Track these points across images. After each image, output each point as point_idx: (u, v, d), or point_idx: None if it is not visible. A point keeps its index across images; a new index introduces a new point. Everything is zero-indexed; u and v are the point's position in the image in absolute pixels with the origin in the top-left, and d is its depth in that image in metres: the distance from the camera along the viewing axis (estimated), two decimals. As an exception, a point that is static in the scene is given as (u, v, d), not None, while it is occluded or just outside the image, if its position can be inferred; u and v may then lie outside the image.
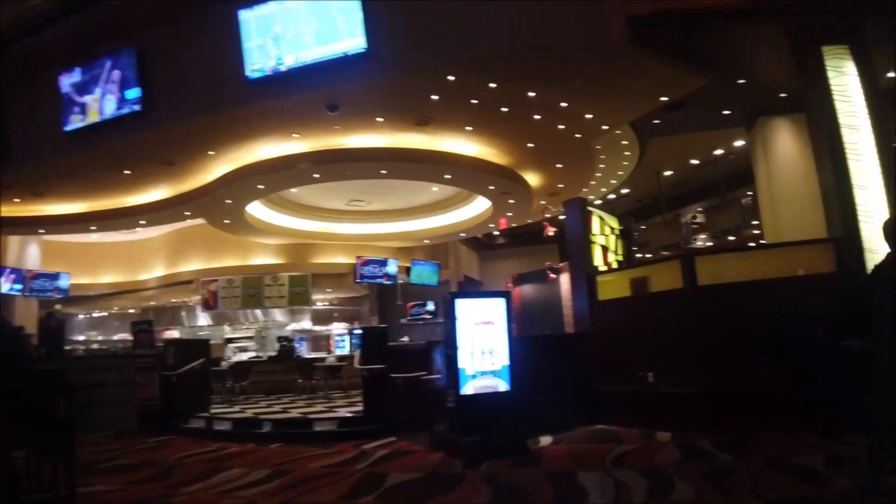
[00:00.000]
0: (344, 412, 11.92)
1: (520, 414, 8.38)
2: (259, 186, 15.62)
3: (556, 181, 16.98)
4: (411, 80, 11.05)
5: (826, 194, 9.19)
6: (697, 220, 19.42)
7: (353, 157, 14.15)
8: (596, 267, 11.21)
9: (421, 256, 24.50)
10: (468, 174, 15.23)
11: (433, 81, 10.92)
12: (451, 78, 10.64)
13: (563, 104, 11.84)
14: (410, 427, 9.68)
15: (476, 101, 11.65)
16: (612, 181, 18.30)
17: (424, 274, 23.26)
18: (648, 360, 9.48)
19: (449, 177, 15.56)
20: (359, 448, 8.80)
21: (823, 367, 7.70)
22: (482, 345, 8.31)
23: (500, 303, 8.52)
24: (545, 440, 8.84)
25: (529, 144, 14.15)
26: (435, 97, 11.45)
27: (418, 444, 8.85)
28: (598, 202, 20.98)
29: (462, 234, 22.91)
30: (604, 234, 12.13)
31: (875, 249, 8.39)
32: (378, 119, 12.60)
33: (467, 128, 13.15)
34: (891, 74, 11.06)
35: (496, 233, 23.14)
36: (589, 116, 12.49)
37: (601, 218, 12.16)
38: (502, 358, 8.38)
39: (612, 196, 20.88)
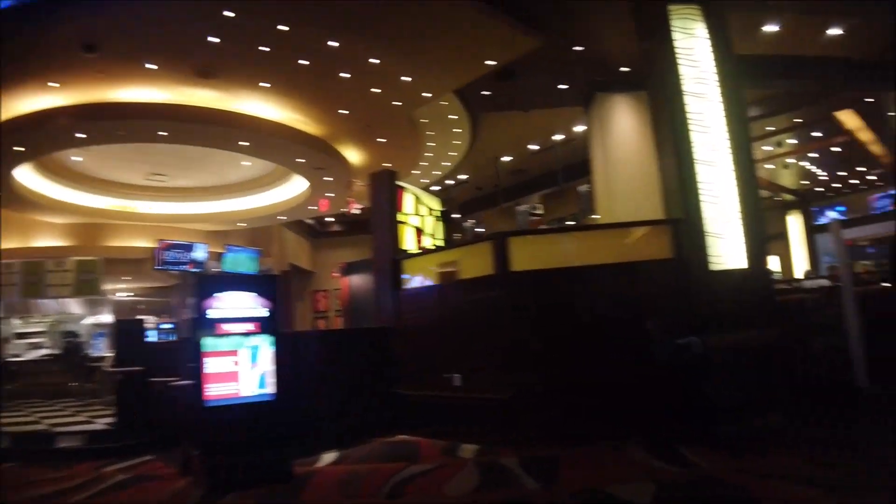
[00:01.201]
0: (101, 423, 10.18)
1: (288, 427, 6.76)
2: (18, 149, 13.06)
3: (380, 159, 15.51)
4: (178, 14, 9.12)
5: (665, 171, 8.19)
6: (538, 211, 18.70)
7: (124, 113, 11.91)
8: (404, 250, 9.82)
9: (238, 242, 22.25)
10: (270, 143, 13.41)
11: (207, 17, 9.08)
12: (229, 14, 8.88)
13: (373, 60, 10.36)
14: (173, 443, 7.88)
15: (267, 49, 9.94)
16: (446, 163, 17.11)
17: (240, 261, 21.19)
18: (457, 360, 8.13)
19: (246, 144, 13.60)
20: (98, 471, 7.33)
21: (657, 368, 6.81)
22: (238, 343, 6.63)
23: (263, 290, 6.88)
24: (328, 457, 7.31)
25: (342, 111, 12.60)
26: (214, 39, 9.62)
27: (174, 465, 7.33)
28: (436, 188, 19.87)
29: (282, 218, 20.94)
30: (419, 215, 10.75)
31: (720, 234, 7.50)
32: (149, 66, 10.55)
33: (263, 84, 11.39)
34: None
35: (330, 219, 21.45)
36: (406, 79, 11.10)
37: (416, 196, 10.78)
38: (265, 360, 6.73)
39: (450, 182, 19.82)
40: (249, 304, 6.67)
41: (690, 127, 7.78)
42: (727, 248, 7.56)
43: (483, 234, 17.37)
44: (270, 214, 19.97)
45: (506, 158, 17.96)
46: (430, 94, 11.97)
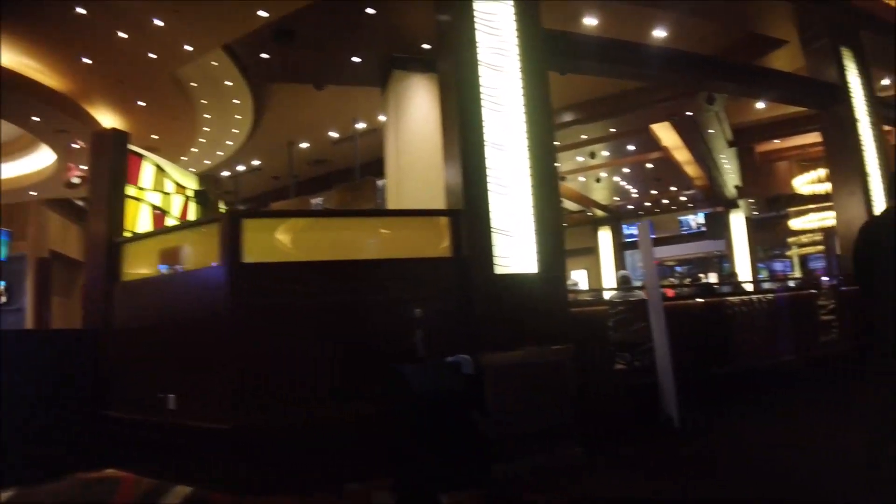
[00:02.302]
0: None
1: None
2: None
3: (145, 129, 13.34)
4: None
5: (449, 151, 6.84)
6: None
7: None
8: (133, 233, 7.85)
9: (-16, 219, 18.85)
10: (-7, 94, 10.83)
11: None
12: None
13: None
14: None
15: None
16: (229, 142, 15.14)
17: (-22, 242, 18.01)
18: (176, 375, 6.33)
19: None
20: None
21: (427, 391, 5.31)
22: None
23: None
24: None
25: (85, 60, 10.43)
26: None
27: None
28: (226, 174, 17.88)
29: (33, 193, 17.96)
30: (163, 192, 8.81)
31: (508, 231, 6.31)
32: None
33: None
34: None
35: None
36: (158, 24, 9.20)
37: (159, 168, 8.82)
38: None
39: (241, 168, 17.85)
40: None
41: (482, 101, 6.52)
42: (516, 249, 6.36)
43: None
44: (18, 189, 16.92)
45: (303, 145, 16.29)
46: (192, 49, 10.13)
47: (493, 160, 6.43)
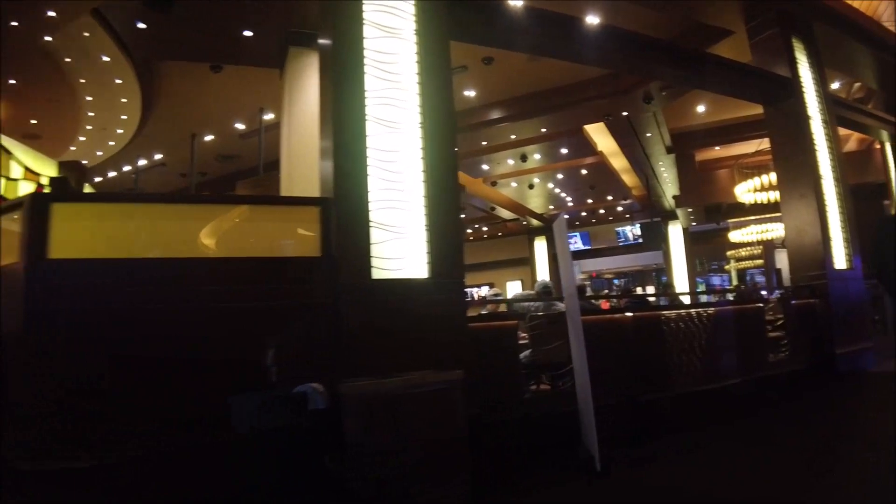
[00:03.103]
0: None
1: None
2: None
3: (22, 113, 11.77)
4: None
5: (324, 132, 5.57)
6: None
7: None
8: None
9: None
10: None
11: None
12: None
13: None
14: None
15: None
16: (119, 130, 13.60)
17: None
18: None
19: None
20: None
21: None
22: None
23: None
24: None
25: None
26: None
27: None
28: (128, 169, 16.33)
29: None
30: (6, 178, 7.34)
31: (396, 227, 5.09)
32: None
33: None
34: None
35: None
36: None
37: (5, 150, 7.33)
38: None
39: (143, 162, 16.30)
40: None
41: (365, 67, 5.28)
42: (404, 249, 5.11)
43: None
44: None
45: (209, 138, 14.82)
46: (56, 14, 8.69)
47: (379, 140, 5.19)
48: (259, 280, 4.81)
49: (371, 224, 4.98)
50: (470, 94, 12.69)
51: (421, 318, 4.98)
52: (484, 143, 14.73)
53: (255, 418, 3.88)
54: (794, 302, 9.09)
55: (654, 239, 21.10)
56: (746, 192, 15.76)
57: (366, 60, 5.31)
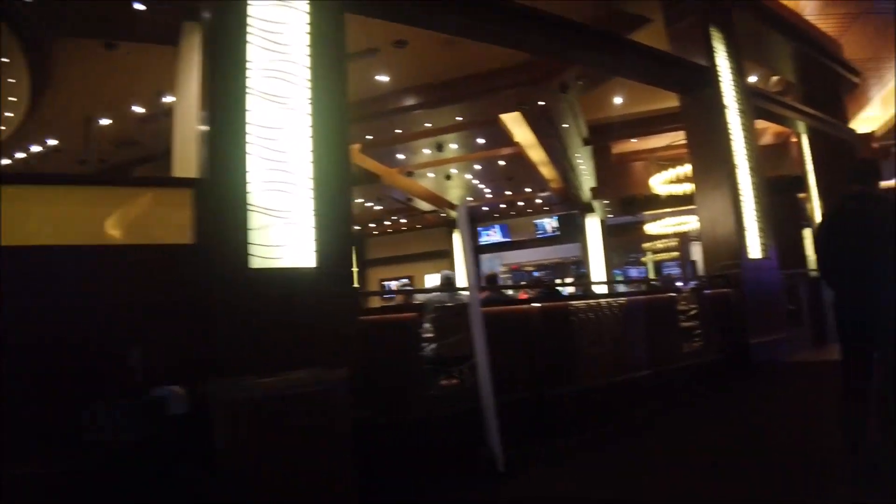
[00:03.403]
0: None
1: None
2: None
3: None
4: None
5: (203, 105, 5.07)
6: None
7: None
8: None
9: None
10: None
11: None
12: None
13: None
14: None
15: None
16: (8, 114, 12.61)
17: None
18: None
19: None
20: None
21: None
22: None
23: None
24: None
25: None
26: None
27: None
28: (22, 156, 15.28)
29: None
30: None
31: (279, 212, 4.66)
32: None
33: None
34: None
35: None
36: None
37: None
38: None
39: (37, 149, 15.26)
40: None
41: (249, 38, 4.82)
42: (290, 237, 4.66)
43: None
44: None
45: (104, 122, 13.90)
46: None
47: (263, 116, 4.73)
48: (122, 270, 4.30)
49: (251, 208, 4.53)
50: (383, 79, 12.23)
51: (306, 311, 4.55)
52: (398, 131, 14.28)
53: (106, 430, 3.40)
54: (707, 291, 8.99)
55: (572, 231, 20.99)
56: (662, 183, 15.78)
57: (250, 29, 4.86)
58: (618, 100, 15.34)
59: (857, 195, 4.20)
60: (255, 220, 4.54)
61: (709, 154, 9.86)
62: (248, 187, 4.54)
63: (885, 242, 3.86)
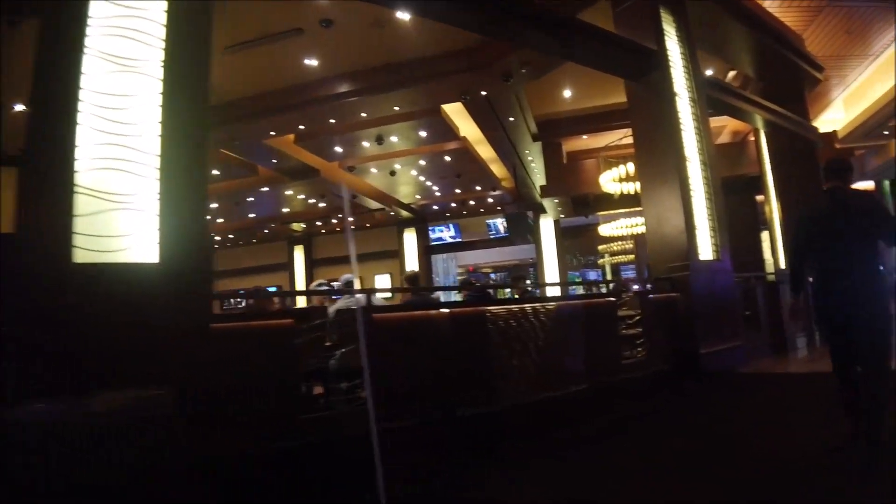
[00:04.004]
0: None
1: None
2: None
3: None
4: None
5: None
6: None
7: None
8: None
9: None
10: None
11: None
12: None
13: None
14: None
15: None
16: None
17: None
18: None
19: None
20: None
21: None
22: None
23: None
24: None
25: None
26: None
27: None
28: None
29: None
30: None
31: (119, 196, 3.81)
32: None
33: None
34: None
35: None
36: None
37: None
38: None
39: None
40: None
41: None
42: (129, 226, 3.86)
43: None
44: None
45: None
46: None
47: (102, 80, 3.92)
48: None
49: (77, 189, 3.71)
50: (311, 62, 11.39)
51: (144, 315, 3.73)
52: (332, 120, 13.41)
53: None
54: (651, 297, 8.31)
55: (521, 231, 20.26)
56: (611, 181, 15.16)
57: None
58: (566, 93, 14.72)
59: (834, 190, 4.49)
60: (83, 206, 3.71)
61: (656, 145, 9.18)
62: (75, 164, 3.72)
63: (866, 233, 4.22)
